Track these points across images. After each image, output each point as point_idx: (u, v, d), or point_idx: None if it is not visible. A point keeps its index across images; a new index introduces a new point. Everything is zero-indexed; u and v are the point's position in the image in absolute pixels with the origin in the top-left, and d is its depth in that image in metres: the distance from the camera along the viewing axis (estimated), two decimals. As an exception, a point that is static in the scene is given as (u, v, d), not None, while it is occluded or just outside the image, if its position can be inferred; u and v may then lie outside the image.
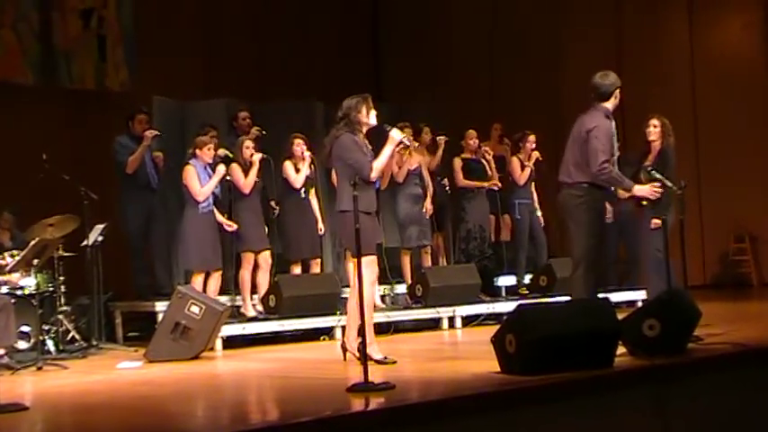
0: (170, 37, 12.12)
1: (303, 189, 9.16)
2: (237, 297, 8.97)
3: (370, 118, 6.63)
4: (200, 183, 8.51)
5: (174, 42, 12.17)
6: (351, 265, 9.05)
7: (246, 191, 8.88)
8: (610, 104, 6.72)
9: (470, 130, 10.37)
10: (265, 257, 8.94)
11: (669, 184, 7.38)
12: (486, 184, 10.26)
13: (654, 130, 8.09)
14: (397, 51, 14.26)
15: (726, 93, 11.93)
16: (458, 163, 10.22)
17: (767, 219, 11.92)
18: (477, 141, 10.33)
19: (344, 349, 6.73)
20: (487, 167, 10.32)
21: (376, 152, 6.67)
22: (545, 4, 13.25)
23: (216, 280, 8.64)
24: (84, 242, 8.46)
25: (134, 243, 9.44)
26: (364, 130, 6.66)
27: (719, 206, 11.78)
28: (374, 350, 6.39)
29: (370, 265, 6.50)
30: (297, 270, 9.24)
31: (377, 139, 6.79)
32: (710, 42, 12.20)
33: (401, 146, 6.73)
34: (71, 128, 11.09)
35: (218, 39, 12.84)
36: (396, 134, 6.58)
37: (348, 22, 14.17)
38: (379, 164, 6.54)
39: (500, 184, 10.34)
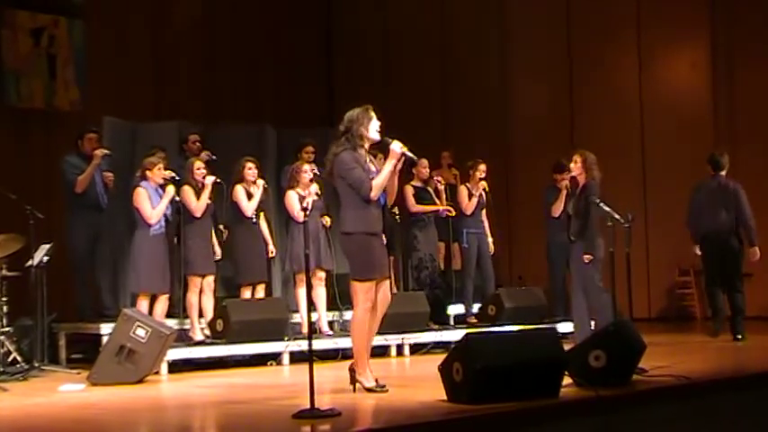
0: (121, 57, 12.05)
1: (255, 214, 9.09)
2: (186, 321, 8.88)
3: (371, 131, 6.24)
4: (152, 204, 8.43)
5: (125, 63, 12.10)
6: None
7: (198, 214, 8.79)
8: (724, 173, 9.48)
9: (423, 159, 10.41)
10: (209, 282, 8.86)
11: (617, 216, 7.51)
12: (440, 208, 10.29)
13: (575, 165, 8.33)
14: (351, 78, 14.31)
15: (673, 129, 12.13)
16: (409, 190, 10.23)
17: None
18: (428, 170, 10.37)
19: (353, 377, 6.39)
20: (434, 197, 10.36)
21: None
22: (495, 38, 13.41)
23: (163, 303, 8.56)
24: (30, 262, 8.33)
25: (78, 263, 9.28)
26: (366, 144, 6.28)
27: (665, 240, 11.91)
28: (366, 378, 6.28)
29: (367, 290, 6.25)
30: (247, 294, 9.16)
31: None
32: (659, 80, 12.39)
33: (402, 158, 6.28)
34: (18, 146, 10.95)
35: (170, 60, 12.79)
36: (397, 147, 6.18)
37: (302, 47, 14.20)
38: (378, 181, 6.16)
39: (453, 211, 10.39)
